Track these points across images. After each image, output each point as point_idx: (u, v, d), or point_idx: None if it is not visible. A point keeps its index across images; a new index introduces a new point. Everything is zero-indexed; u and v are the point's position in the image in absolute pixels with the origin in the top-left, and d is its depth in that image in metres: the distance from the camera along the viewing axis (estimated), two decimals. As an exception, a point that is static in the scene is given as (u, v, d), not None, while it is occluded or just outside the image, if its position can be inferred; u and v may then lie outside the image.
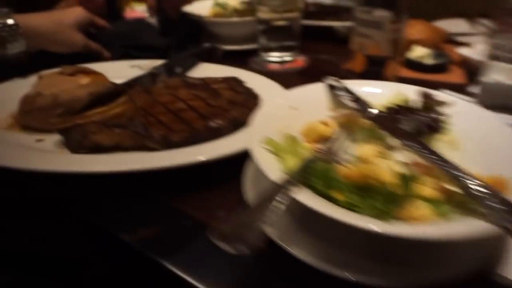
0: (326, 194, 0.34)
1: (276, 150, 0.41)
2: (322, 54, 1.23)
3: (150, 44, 0.99)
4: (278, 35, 1.05)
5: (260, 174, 0.37)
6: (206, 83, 0.75)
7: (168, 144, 0.57)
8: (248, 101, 0.68)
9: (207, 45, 0.99)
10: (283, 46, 1.06)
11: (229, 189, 0.52)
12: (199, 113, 0.63)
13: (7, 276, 0.64)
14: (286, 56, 1.08)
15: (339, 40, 1.26)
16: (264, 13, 1.02)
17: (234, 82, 0.76)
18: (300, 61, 1.13)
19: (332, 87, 0.54)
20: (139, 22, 1.09)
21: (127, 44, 0.98)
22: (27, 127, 0.64)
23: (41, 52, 0.93)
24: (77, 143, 0.58)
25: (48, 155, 0.57)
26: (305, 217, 0.40)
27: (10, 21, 0.86)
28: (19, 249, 0.64)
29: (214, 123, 0.61)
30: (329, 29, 1.29)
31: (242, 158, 0.54)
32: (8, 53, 0.85)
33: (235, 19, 1.20)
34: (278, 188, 0.33)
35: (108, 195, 0.53)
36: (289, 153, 0.41)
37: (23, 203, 0.58)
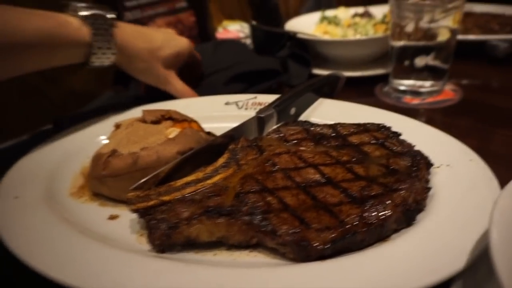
0: None
1: None
2: (474, 80, 1.00)
3: (265, 67, 0.85)
4: (422, 55, 0.84)
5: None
6: (339, 134, 0.57)
7: (305, 252, 0.39)
8: (417, 169, 0.48)
9: (328, 74, 0.81)
10: (428, 70, 0.84)
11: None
12: (346, 193, 0.44)
13: None
14: (431, 86, 0.86)
15: (497, 59, 1.03)
16: (407, 24, 0.82)
17: (382, 133, 0.56)
18: (450, 92, 0.90)
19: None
20: (234, 43, 0.97)
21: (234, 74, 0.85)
22: (99, 194, 0.54)
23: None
24: (162, 236, 0.43)
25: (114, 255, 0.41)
26: None
27: (110, 15, 0.66)
28: None
29: (376, 214, 0.41)
30: (482, 45, 1.05)
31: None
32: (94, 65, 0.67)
33: (361, 37, 1.01)
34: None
35: None
36: None
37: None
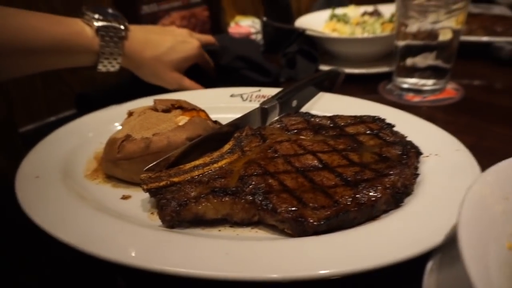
0: None
1: None
2: (478, 80, 1.06)
3: (264, 66, 0.93)
4: (426, 54, 0.90)
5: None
6: (337, 125, 0.63)
7: (301, 227, 0.46)
8: (407, 157, 0.55)
9: (329, 69, 0.88)
10: (431, 69, 0.91)
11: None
12: (340, 177, 0.51)
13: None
14: (433, 84, 0.92)
15: (501, 60, 1.09)
16: (411, 23, 0.88)
17: (377, 125, 0.63)
18: (452, 90, 0.96)
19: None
20: (246, 39, 1.04)
21: (237, 63, 0.93)
22: (112, 177, 0.60)
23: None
24: (172, 212, 0.49)
25: (131, 229, 0.48)
26: None
27: (122, 26, 0.75)
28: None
29: (367, 196, 0.48)
30: (488, 46, 1.11)
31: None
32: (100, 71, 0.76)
33: (367, 35, 1.07)
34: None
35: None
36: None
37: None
